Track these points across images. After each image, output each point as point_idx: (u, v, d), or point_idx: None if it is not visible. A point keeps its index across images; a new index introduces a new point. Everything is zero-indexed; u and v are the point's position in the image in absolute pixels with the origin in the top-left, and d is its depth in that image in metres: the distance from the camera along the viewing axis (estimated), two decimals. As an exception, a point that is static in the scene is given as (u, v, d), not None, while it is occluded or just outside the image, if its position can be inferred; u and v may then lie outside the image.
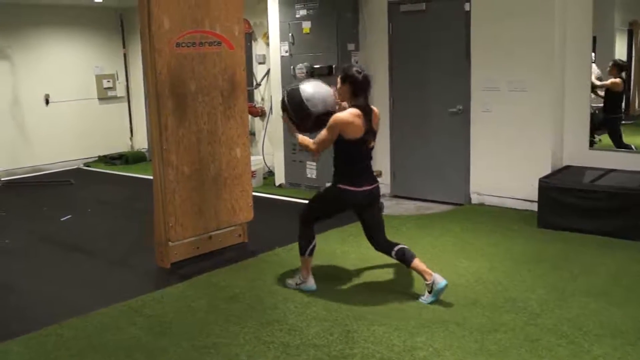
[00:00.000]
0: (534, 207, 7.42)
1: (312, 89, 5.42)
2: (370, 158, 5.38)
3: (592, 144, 7.75)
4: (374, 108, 5.32)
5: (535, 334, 4.59)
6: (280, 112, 5.64)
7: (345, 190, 5.28)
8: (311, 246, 5.52)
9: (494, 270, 5.91)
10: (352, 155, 5.24)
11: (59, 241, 7.49)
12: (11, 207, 9.47)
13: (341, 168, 5.30)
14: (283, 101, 5.50)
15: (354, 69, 5.22)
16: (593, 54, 7.59)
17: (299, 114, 5.40)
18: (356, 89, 5.16)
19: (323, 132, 5.22)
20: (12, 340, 4.76)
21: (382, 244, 5.42)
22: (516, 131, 7.85)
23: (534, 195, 7.35)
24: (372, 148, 5.34)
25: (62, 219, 8.46)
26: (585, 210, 6.84)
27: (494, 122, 8.00)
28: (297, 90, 5.42)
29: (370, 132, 5.24)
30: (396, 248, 5.32)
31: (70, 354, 4.54)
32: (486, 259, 6.22)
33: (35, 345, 4.68)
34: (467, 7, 8.01)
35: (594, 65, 7.68)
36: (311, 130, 5.43)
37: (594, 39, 7.54)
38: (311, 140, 5.34)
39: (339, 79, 5.25)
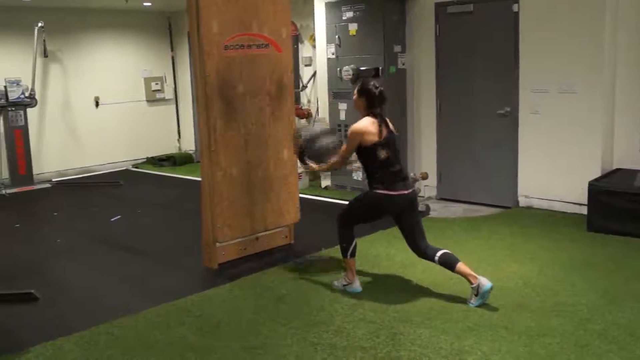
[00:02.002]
0: (583, 210, 7.33)
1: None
2: (398, 162, 5.44)
3: (643, 146, 7.63)
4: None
5: (584, 339, 4.53)
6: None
7: (380, 195, 5.31)
8: (352, 248, 5.55)
9: (543, 274, 5.85)
10: (378, 160, 5.30)
11: (108, 241, 7.60)
12: (62, 207, 9.66)
13: (373, 174, 5.37)
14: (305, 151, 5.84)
15: (371, 83, 5.44)
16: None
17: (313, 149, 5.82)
18: (372, 103, 5.38)
19: (346, 145, 5.46)
20: (64, 337, 4.85)
21: (424, 250, 5.41)
22: (565, 133, 7.76)
23: (584, 199, 7.26)
24: (397, 152, 5.45)
25: (111, 220, 8.58)
26: (637, 214, 6.73)
27: (543, 124, 7.91)
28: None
29: (390, 139, 5.36)
30: (439, 253, 5.31)
31: (121, 351, 4.62)
32: (535, 263, 6.15)
33: (87, 343, 4.77)
34: (515, 8, 7.94)
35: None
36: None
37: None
38: (334, 160, 5.65)
39: (355, 92, 5.48)
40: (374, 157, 5.29)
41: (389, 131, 5.37)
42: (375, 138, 5.25)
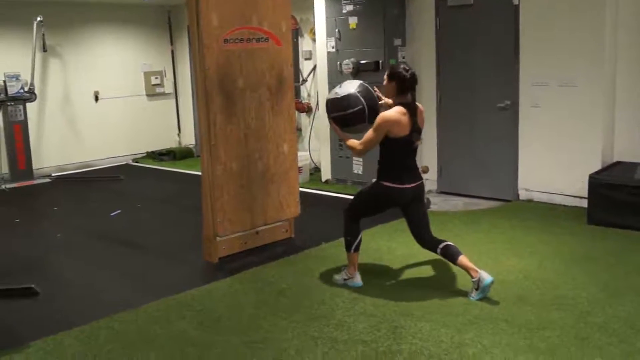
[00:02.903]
0: (584, 203, 7.33)
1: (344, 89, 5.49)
2: (415, 155, 5.38)
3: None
4: (419, 105, 5.32)
5: (585, 332, 4.53)
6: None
7: (390, 188, 5.28)
8: (357, 242, 5.54)
9: (543, 268, 5.84)
10: (397, 152, 5.25)
11: (108, 236, 7.60)
12: (62, 202, 9.66)
13: (386, 165, 5.32)
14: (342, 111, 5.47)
15: (402, 66, 5.25)
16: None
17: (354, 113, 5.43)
18: (403, 87, 5.18)
19: (369, 133, 5.24)
20: (65, 332, 4.85)
21: (428, 241, 5.41)
22: (565, 126, 7.75)
23: (584, 192, 7.25)
24: (417, 146, 5.32)
25: (111, 214, 8.58)
26: (637, 207, 6.72)
27: (543, 117, 7.91)
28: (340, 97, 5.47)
29: (416, 131, 5.22)
30: (442, 245, 5.31)
31: (122, 346, 4.62)
32: (535, 256, 6.15)
33: (88, 337, 4.77)
34: (515, 1, 7.92)
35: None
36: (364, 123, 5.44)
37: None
38: (357, 142, 5.35)
39: (385, 76, 5.28)
40: (396, 149, 5.22)
41: (417, 124, 5.20)
42: (405, 132, 5.14)
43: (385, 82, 5.28)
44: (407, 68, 5.22)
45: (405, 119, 5.12)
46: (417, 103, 5.28)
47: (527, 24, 7.88)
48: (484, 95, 8.37)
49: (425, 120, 5.46)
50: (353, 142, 5.39)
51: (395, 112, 5.15)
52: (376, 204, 5.52)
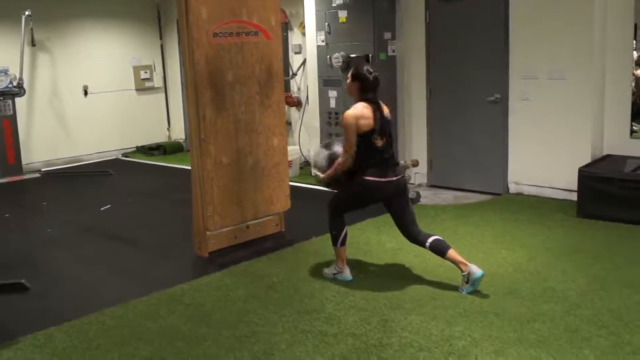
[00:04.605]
0: (573, 196, 7.35)
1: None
2: (391, 150, 5.39)
3: (632, 132, 7.63)
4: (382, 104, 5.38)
5: (574, 324, 4.55)
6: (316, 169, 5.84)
7: (372, 182, 5.28)
8: (342, 236, 5.53)
9: (533, 260, 5.86)
10: (371, 147, 5.24)
11: (99, 231, 7.58)
12: (52, 197, 9.61)
13: (364, 160, 5.29)
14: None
15: (365, 67, 5.32)
16: (634, 42, 7.46)
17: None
18: (365, 88, 5.27)
19: (344, 136, 5.29)
20: (54, 327, 4.83)
21: (415, 236, 5.41)
22: (555, 120, 7.77)
23: (574, 185, 7.27)
24: (390, 142, 5.35)
25: (101, 209, 8.55)
26: (626, 200, 6.75)
27: (533, 110, 7.92)
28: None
29: (385, 126, 5.27)
30: (430, 239, 5.31)
31: (112, 341, 4.61)
32: (525, 249, 6.17)
33: (78, 332, 4.75)
34: (505, -6, 7.95)
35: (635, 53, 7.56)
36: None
37: (635, 26, 7.40)
38: (339, 160, 5.37)
39: (349, 76, 5.35)
40: (369, 144, 5.22)
41: (383, 116, 5.27)
42: (370, 123, 5.16)
43: (348, 82, 5.37)
44: (371, 70, 5.30)
45: (368, 112, 5.19)
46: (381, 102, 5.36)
47: (517, 17, 7.89)
48: (474, 89, 8.37)
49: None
50: (336, 164, 5.41)
51: (357, 107, 5.23)
52: (357, 199, 5.53)
